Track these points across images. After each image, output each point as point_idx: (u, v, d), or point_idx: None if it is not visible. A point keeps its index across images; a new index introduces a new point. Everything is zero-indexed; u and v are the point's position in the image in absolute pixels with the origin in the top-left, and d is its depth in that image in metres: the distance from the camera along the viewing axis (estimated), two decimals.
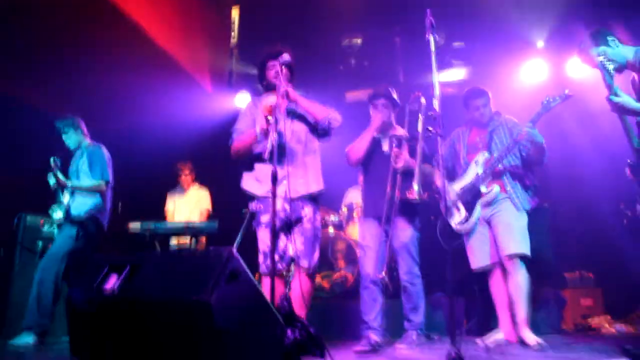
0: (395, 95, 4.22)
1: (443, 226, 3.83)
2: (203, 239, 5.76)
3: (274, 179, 2.97)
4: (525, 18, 6.90)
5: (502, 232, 3.92)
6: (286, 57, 3.46)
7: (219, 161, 5.69)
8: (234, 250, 2.20)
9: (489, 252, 3.98)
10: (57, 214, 4.59)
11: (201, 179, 6.54)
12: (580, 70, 6.06)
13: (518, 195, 3.97)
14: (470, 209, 4.03)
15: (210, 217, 6.24)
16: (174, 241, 5.70)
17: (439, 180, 4.10)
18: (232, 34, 8.35)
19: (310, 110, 3.60)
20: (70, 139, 4.87)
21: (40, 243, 5.16)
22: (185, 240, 5.66)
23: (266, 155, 3.13)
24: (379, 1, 7.22)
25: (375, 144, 4.10)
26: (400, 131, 4.08)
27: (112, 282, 2.23)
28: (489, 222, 4.01)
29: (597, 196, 5.24)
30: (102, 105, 6.37)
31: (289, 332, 2.45)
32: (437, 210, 4.07)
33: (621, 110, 3.26)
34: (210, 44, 7.56)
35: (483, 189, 3.99)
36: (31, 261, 5.06)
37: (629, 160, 3.38)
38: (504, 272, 3.92)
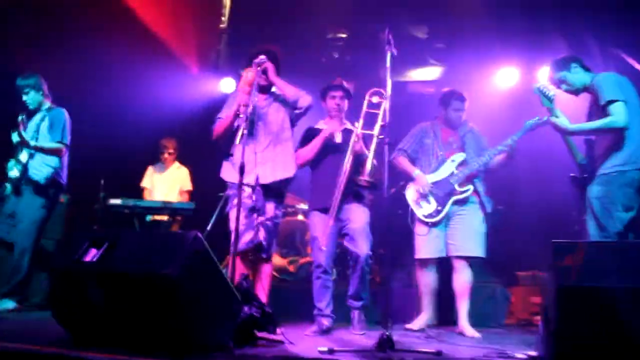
0: (349, 88, 4.38)
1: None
2: (179, 218, 6.02)
3: (242, 168, 3.30)
4: (503, 27, 7.21)
5: (464, 233, 4.27)
6: (262, 58, 3.76)
7: (201, 143, 5.96)
8: (199, 234, 2.51)
9: (440, 247, 4.31)
10: (14, 172, 4.65)
11: (182, 159, 6.68)
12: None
13: (485, 200, 4.34)
14: (442, 203, 4.33)
15: (190, 197, 6.43)
16: (151, 217, 5.98)
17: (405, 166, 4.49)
18: (222, 18, 8.54)
19: (284, 89, 3.89)
20: (31, 99, 4.83)
21: None
22: (163, 217, 5.95)
23: (237, 140, 3.42)
24: None
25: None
26: (349, 126, 4.28)
27: (91, 255, 2.54)
28: (448, 219, 4.34)
29: (559, 200, 5.52)
30: (88, 82, 6.57)
31: (245, 308, 2.77)
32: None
33: (558, 130, 3.75)
34: (199, 26, 7.66)
35: (457, 187, 4.31)
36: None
37: (571, 174, 3.81)
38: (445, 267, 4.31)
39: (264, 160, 3.80)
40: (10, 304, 4.38)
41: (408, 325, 4.25)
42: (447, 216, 4.35)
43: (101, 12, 5.81)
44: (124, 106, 6.37)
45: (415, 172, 4.44)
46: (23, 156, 4.65)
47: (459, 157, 4.40)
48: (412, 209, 4.43)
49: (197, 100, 7.14)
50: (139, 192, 6.36)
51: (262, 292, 3.70)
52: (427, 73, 7.86)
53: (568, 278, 2.05)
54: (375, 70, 7.95)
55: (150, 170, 6.55)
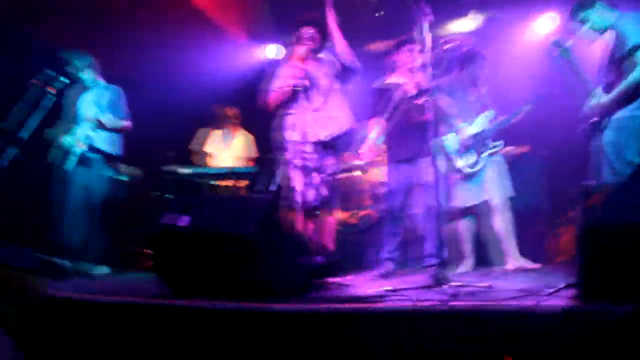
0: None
1: None
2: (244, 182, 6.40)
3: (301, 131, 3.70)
4: None
5: (499, 179, 4.65)
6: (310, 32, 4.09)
7: (254, 109, 6.34)
8: (271, 196, 2.92)
9: (478, 194, 4.67)
10: (79, 145, 4.88)
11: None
12: None
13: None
14: (479, 155, 4.67)
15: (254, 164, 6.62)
16: (217, 182, 6.38)
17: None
18: None
19: (341, 46, 4.16)
20: (88, 77, 5.09)
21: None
22: (228, 182, 6.37)
23: (293, 109, 3.81)
24: None
25: None
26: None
27: (184, 220, 2.98)
28: (485, 169, 4.68)
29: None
30: (145, 62, 7.01)
31: (314, 257, 3.20)
32: None
33: (596, 112, 3.77)
34: None
35: (491, 142, 4.68)
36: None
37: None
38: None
39: (318, 119, 4.12)
40: (105, 269, 4.84)
41: (457, 270, 4.61)
42: (484, 166, 4.69)
43: None
44: (180, 81, 6.78)
45: (460, 123, 4.71)
46: (83, 130, 4.93)
47: (491, 114, 4.72)
48: (451, 158, 4.73)
49: (246, 67, 7.51)
50: (197, 158, 6.74)
51: (330, 243, 4.08)
52: (467, 24, 7.96)
53: (592, 216, 2.37)
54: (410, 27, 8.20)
55: (213, 135, 6.76)
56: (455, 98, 4.78)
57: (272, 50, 7.83)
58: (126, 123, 5.14)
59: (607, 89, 3.76)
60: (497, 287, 3.01)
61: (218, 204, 3.16)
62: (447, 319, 2.25)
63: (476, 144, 4.68)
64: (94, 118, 4.94)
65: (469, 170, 4.67)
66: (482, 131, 4.70)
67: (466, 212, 4.72)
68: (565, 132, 5.28)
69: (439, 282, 3.01)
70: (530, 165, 5.33)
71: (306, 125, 4.05)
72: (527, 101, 4.73)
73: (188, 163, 6.30)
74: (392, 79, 4.52)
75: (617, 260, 2.32)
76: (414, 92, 4.29)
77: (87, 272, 4.71)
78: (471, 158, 4.68)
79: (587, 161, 3.90)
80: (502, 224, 4.60)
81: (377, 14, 8.13)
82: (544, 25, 6.96)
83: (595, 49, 3.92)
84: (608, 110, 3.70)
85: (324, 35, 4.28)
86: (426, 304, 2.39)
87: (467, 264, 4.65)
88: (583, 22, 3.79)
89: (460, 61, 4.85)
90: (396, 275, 4.27)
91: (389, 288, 3.01)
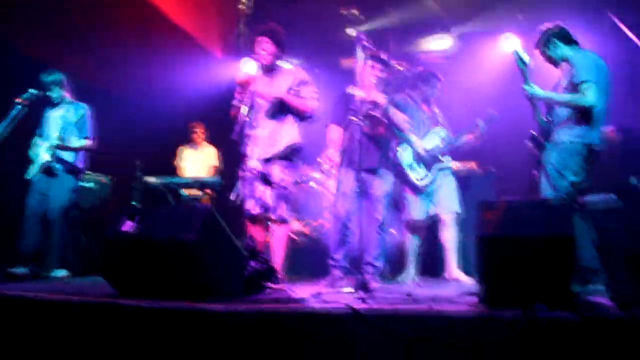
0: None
1: None
2: (209, 191, 6.73)
3: (243, 154, 4.02)
4: None
5: (448, 194, 4.99)
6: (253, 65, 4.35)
7: (227, 123, 6.60)
8: (212, 207, 3.16)
9: (427, 208, 4.98)
10: (45, 156, 5.15)
11: (210, 139, 7.40)
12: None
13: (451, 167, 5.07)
14: (430, 170, 4.98)
15: (218, 172, 7.08)
16: (185, 192, 6.70)
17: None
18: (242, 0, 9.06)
19: (293, 106, 4.31)
20: (55, 94, 5.34)
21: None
22: (196, 192, 6.67)
23: (237, 129, 4.07)
24: None
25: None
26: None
27: (128, 226, 3.21)
28: (432, 184, 5.00)
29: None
30: (121, 74, 7.28)
31: (251, 263, 3.43)
32: None
33: (531, 98, 4.11)
34: (220, 11, 8.18)
35: (441, 157, 5.00)
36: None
37: (532, 132, 4.22)
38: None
39: (265, 134, 4.31)
40: (63, 272, 5.09)
41: (399, 278, 4.88)
42: (433, 181, 4.97)
43: (128, 8, 6.40)
44: (156, 94, 7.09)
45: (414, 136, 4.95)
46: (48, 145, 5.19)
47: (443, 131, 5.00)
48: (404, 171, 4.96)
49: (222, 82, 7.76)
50: (173, 171, 7.11)
51: (279, 252, 4.25)
52: (436, 43, 8.29)
53: (487, 229, 2.63)
54: (387, 43, 8.53)
55: (181, 150, 7.29)
56: (408, 115, 5.02)
57: (249, 66, 8.02)
58: (88, 143, 5.38)
59: (549, 111, 4.18)
60: (416, 294, 3.25)
61: (165, 213, 3.39)
62: (349, 319, 2.49)
63: (427, 159, 4.94)
64: (58, 135, 5.18)
65: (420, 183, 4.93)
66: (434, 147, 4.98)
67: (416, 223, 4.96)
68: (514, 149, 5.59)
69: (362, 288, 3.24)
70: (480, 181, 5.58)
71: (256, 139, 4.28)
72: (480, 120, 5.02)
73: (158, 173, 6.55)
74: (352, 90, 4.56)
75: (508, 269, 2.58)
76: (369, 105, 4.43)
77: (46, 275, 4.97)
78: (422, 172, 4.93)
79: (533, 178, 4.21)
80: (447, 237, 4.92)
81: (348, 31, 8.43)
82: (508, 45, 7.26)
83: (552, 73, 4.30)
84: (539, 98, 4.10)
85: (279, 47, 4.44)
86: (333, 305, 2.63)
87: (408, 273, 4.90)
88: (542, 51, 4.24)
89: (415, 80, 5.15)
90: (344, 282, 4.46)
91: (315, 292, 3.24)
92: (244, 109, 4.11)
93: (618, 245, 2.96)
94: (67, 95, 5.47)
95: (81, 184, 5.54)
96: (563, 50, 4.15)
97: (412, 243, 5.02)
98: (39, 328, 2.97)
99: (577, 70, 3.96)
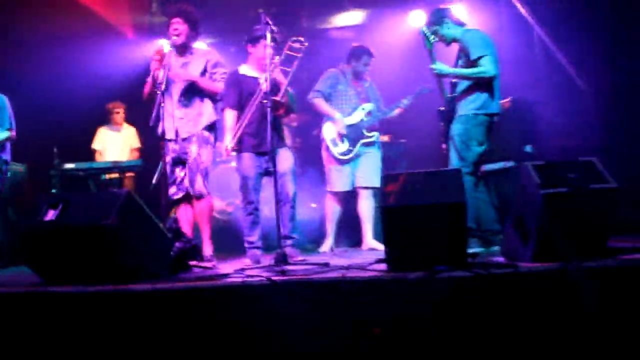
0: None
1: None
2: (130, 174, 6.74)
3: (162, 133, 4.11)
4: None
5: (370, 169, 5.21)
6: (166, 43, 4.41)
7: (143, 104, 6.60)
8: (130, 191, 3.26)
9: (350, 181, 5.23)
10: None
11: (128, 120, 7.33)
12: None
13: (379, 142, 5.34)
14: (353, 144, 5.20)
15: (139, 154, 7.10)
16: (105, 176, 6.67)
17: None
18: None
19: (202, 88, 4.45)
20: None
21: None
22: (115, 175, 6.65)
23: (155, 110, 4.17)
24: None
25: None
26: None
27: (50, 215, 3.27)
28: (357, 158, 5.24)
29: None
30: (31, 57, 7.11)
31: (176, 244, 3.56)
32: None
33: (437, 74, 4.44)
34: None
35: (365, 132, 5.22)
36: None
37: (440, 108, 4.57)
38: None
39: (182, 115, 4.43)
40: None
41: (319, 249, 5.14)
42: (357, 155, 5.18)
43: None
44: (69, 77, 6.92)
45: (337, 115, 5.20)
46: None
47: (369, 106, 5.28)
48: (328, 146, 5.22)
49: (134, 63, 7.71)
50: (91, 155, 7.03)
51: (203, 226, 4.40)
52: (347, 18, 8.49)
53: (388, 200, 2.89)
54: (299, 20, 8.65)
55: (101, 132, 7.15)
56: (336, 90, 5.31)
57: (162, 45, 7.99)
58: (9, 134, 5.41)
59: (453, 87, 4.53)
60: (333, 263, 3.48)
61: (83, 200, 3.46)
62: (269, 290, 2.70)
63: (352, 134, 5.19)
64: None
65: (342, 157, 5.18)
66: (359, 122, 5.23)
67: (337, 195, 5.22)
68: (424, 122, 5.92)
69: (279, 260, 3.43)
70: (391, 153, 5.88)
71: (170, 122, 4.38)
72: (405, 95, 5.34)
73: (77, 158, 6.50)
74: (244, 70, 4.66)
75: (409, 236, 2.85)
76: (268, 88, 4.25)
77: None
78: (344, 147, 5.17)
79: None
80: (363, 209, 5.19)
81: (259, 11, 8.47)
82: (416, 21, 7.54)
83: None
84: (445, 75, 4.45)
85: (192, 27, 4.52)
86: (256, 279, 2.83)
87: (327, 244, 5.18)
88: (434, 33, 4.51)
89: (348, 56, 5.35)
90: (264, 258, 4.51)
91: (238, 268, 3.43)
92: (158, 91, 4.15)
93: (512, 208, 3.29)
94: None
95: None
96: (454, 30, 4.51)
97: (332, 214, 5.26)
98: None
99: (473, 47, 4.31)
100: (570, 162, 3.07)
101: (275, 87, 4.32)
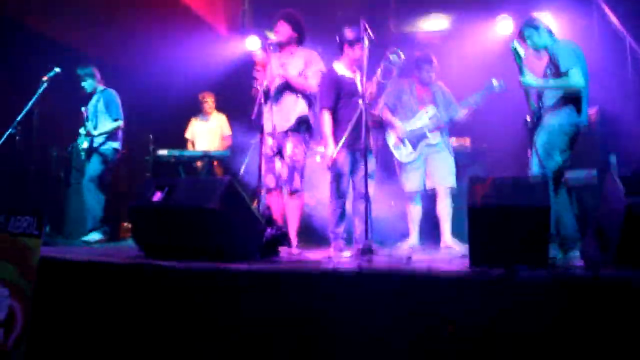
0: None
1: None
2: (217, 163, 7.12)
3: (261, 125, 4.38)
4: None
5: (438, 168, 5.36)
6: (272, 39, 4.67)
7: (234, 97, 6.98)
8: (231, 178, 3.54)
9: (420, 182, 5.41)
10: (84, 144, 5.98)
11: (220, 109, 7.71)
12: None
13: (448, 144, 5.44)
14: (414, 146, 5.39)
15: (230, 140, 7.46)
16: (196, 163, 7.07)
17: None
18: None
19: (294, 84, 4.73)
20: (89, 85, 6.16)
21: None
22: (204, 162, 7.03)
23: (256, 106, 4.45)
24: None
25: None
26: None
27: (158, 196, 3.60)
28: (427, 158, 5.39)
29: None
30: (130, 50, 7.60)
31: (268, 229, 3.82)
32: None
33: (525, 85, 4.47)
34: None
35: (429, 134, 5.37)
36: (81, 180, 6.39)
37: (527, 117, 4.65)
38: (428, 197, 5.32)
39: (279, 110, 4.73)
40: (97, 236, 5.72)
41: (398, 245, 5.32)
42: (423, 157, 5.39)
43: None
44: (165, 70, 7.39)
45: (397, 122, 5.45)
46: (89, 131, 5.99)
47: (431, 109, 5.44)
48: (392, 152, 5.47)
49: (227, 58, 8.10)
50: (184, 143, 7.46)
51: (294, 220, 4.66)
52: (435, 24, 8.59)
53: (475, 201, 3.04)
54: (387, 23, 8.82)
55: (192, 121, 7.59)
56: (401, 101, 5.54)
57: (252, 42, 8.34)
58: (117, 124, 6.07)
59: (539, 97, 4.58)
60: (415, 258, 3.66)
61: (188, 184, 3.78)
62: (358, 277, 2.91)
63: (414, 137, 5.40)
64: (94, 133, 5.97)
65: (405, 160, 5.41)
66: (422, 125, 5.40)
67: (411, 196, 5.39)
68: (506, 128, 5.98)
69: (365, 251, 3.65)
70: (472, 156, 5.98)
71: (271, 115, 4.66)
72: (472, 94, 5.41)
73: (169, 146, 6.93)
74: (340, 69, 4.89)
75: (494, 235, 3.00)
76: (365, 90, 4.57)
77: (82, 239, 5.69)
78: (406, 150, 5.40)
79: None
80: (441, 209, 5.34)
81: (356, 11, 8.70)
82: (503, 27, 7.56)
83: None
84: (534, 86, 4.47)
85: (295, 29, 4.86)
86: (346, 266, 3.05)
87: (410, 240, 5.36)
88: (526, 38, 4.61)
89: (410, 65, 5.51)
90: (347, 249, 4.76)
91: (326, 255, 3.66)
92: (261, 88, 4.44)
93: (592, 217, 3.38)
94: (100, 84, 6.20)
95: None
96: (545, 38, 4.55)
97: (411, 213, 5.45)
98: (83, 287, 3.37)
99: (563, 58, 4.34)
100: None
101: (372, 100, 4.72)
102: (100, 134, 5.96)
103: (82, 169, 6.13)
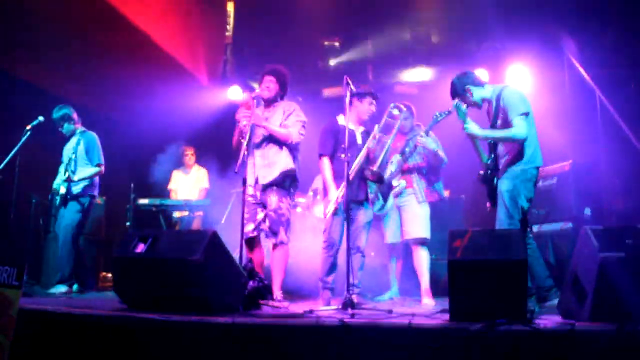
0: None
1: None
2: (199, 213, 7.15)
3: (244, 180, 4.38)
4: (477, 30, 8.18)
5: (408, 220, 5.29)
6: (257, 92, 4.78)
7: (214, 146, 7.06)
8: (215, 230, 3.58)
9: (396, 233, 5.41)
10: (62, 190, 5.77)
11: (198, 161, 7.81)
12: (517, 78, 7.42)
13: (420, 190, 5.29)
14: (385, 198, 5.39)
15: (207, 193, 7.54)
16: (176, 214, 7.11)
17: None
18: (227, 27, 9.52)
19: (275, 135, 4.76)
20: (66, 129, 6.00)
21: None
22: (184, 213, 7.08)
23: (239, 159, 4.51)
24: (355, 7, 8.48)
25: None
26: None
27: (141, 247, 3.62)
28: (399, 209, 5.40)
29: None
30: (116, 98, 7.68)
31: (250, 282, 3.85)
32: None
33: (471, 136, 4.50)
34: (207, 38, 8.62)
35: (394, 182, 5.35)
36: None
37: (480, 172, 4.66)
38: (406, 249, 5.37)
39: (261, 162, 4.76)
40: (63, 288, 5.55)
41: (378, 297, 5.35)
42: (396, 208, 5.39)
43: (120, 37, 6.78)
44: (147, 118, 7.47)
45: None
46: (70, 176, 5.78)
47: (395, 158, 5.38)
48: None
49: (208, 107, 8.23)
50: (165, 193, 7.51)
51: (279, 272, 4.65)
52: (413, 75, 8.83)
53: (455, 254, 3.12)
54: (366, 73, 9.06)
55: (174, 173, 7.68)
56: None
57: (234, 92, 8.51)
58: (96, 169, 5.91)
59: (492, 146, 4.59)
60: (396, 311, 3.70)
61: (171, 236, 3.81)
62: (340, 331, 2.94)
63: (383, 188, 5.38)
64: (73, 178, 5.78)
65: (379, 213, 5.44)
66: (389, 176, 5.33)
67: (391, 247, 5.43)
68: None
69: (346, 305, 3.68)
70: (449, 207, 6.10)
71: (254, 167, 4.71)
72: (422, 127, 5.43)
73: (148, 195, 6.97)
74: (342, 120, 4.99)
75: (473, 289, 3.06)
76: (369, 155, 4.87)
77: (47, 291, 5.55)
78: (379, 203, 5.43)
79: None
80: (416, 261, 5.26)
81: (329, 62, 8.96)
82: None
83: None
84: (479, 137, 4.49)
85: (282, 87, 4.95)
86: (327, 320, 3.08)
87: (390, 292, 5.36)
88: (463, 101, 4.57)
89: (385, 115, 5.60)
90: (333, 301, 4.70)
91: (307, 309, 3.68)
92: (244, 141, 4.51)
93: (569, 268, 3.46)
94: (78, 126, 6.05)
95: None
96: (479, 92, 4.55)
97: (390, 265, 5.48)
98: (62, 339, 3.35)
99: (509, 107, 4.32)
100: (628, 228, 3.23)
101: (371, 156, 4.83)
102: (80, 180, 5.80)
103: (56, 215, 5.97)
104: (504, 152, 4.47)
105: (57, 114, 5.96)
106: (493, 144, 4.56)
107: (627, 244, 3.07)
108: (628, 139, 6.09)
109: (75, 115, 6.03)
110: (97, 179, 6.00)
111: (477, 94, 4.56)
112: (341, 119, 5.00)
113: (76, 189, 5.80)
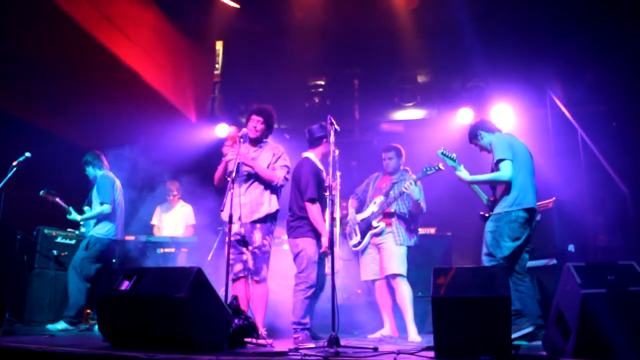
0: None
1: None
2: (185, 250, 7.11)
3: (230, 217, 4.39)
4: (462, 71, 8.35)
5: (386, 258, 5.31)
6: (244, 131, 4.83)
7: (201, 183, 7.08)
8: (200, 268, 3.57)
9: (375, 269, 5.42)
10: (82, 229, 6.18)
11: (185, 198, 7.79)
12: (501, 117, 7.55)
13: (400, 234, 5.31)
14: (363, 235, 5.48)
15: (193, 230, 7.52)
16: (160, 250, 7.07)
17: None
18: (216, 65, 9.64)
19: (261, 175, 4.80)
20: (89, 172, 6.27)
21: (54, 251, 6.53)
22: (170, 249, 7.04)
23: (225, 198, 4.53)
24: (341, 48, 8.62)
25: None
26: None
27: (125, 285, 3.60)
28: (378, 248, 5.42)
29: None
30: (99, 135, 7.72)
31: (235, 320, 3.82)
32: None
33: (461, 181, 4.83)
34: (195, 76, 8.70)
35: (374, 223, 5.43)
36: (46, 265, 6.47)
37: (481, 212, 4.91)
38: (389, 285, 5.33)
39: (247, 201, 4.79)
40: (60, 325, 5.60)
41: (369, 335, 5.31)
42: (374, 246, 5.44)
43: (109, 75, 6.87)
44: (135, 156, 7.47)
45: (350, 210, 5.65)
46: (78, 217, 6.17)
47: (378, 199, 5.50)
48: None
49: (196, 145, 8.27)
50: (150, 229, 7.47)
51: (260, 309, 4.66)
52: (399, 114, 8.97)
53: (439, 292, 3.13)
54: (352, 112, 9.18)
55: (158, 209, 7.64)
56: (367, 191, 5.73)
57: (222, 129, 8.57)
58: (100, 208, 6.05)
59: (493, 190, 4.88)
60: (381, 349, 3.69)
61: (156, 273, 3.79)
62: None
63: (363, 226, 5.52)
64: (78, 218, 6.18)
65: (355, 249, 5.51)
66: (370, 215, 5.49)
67: (373, 284, 5.45)
68: (469, 215, 6.18)
69: (331, 343, 3.65)
70: (437, 244, 6.12)
71: (239, 205, 4.72)
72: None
73: (134, 231, 6.94)
74: (316, 161, 4.98)
75: (458, 325, 3.07)
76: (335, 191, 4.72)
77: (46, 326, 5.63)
78: (356, 239, 5.53)
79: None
80: (397, 298, 5.24)
81: (316, 100, 9.06)
82: (464, 117, 7.97)
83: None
84: (466, 182, 4.83)
85: (268, 127, 5.02)
86: (313, 359, 3.07)
87: (383, 330, 5.34)
88: (475, 145, 5.07)
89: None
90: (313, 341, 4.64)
91: (292, 348, 3.66)
92: (230, 179, 4.53)
93: (554, 303, 3.48)
94: (101, 170, 6.30)
95: (63, 241, 6.54)
96: (488, 138, 4.92)
97: (379, 302, 5.43)
98: None
99: (495, 151, 4.72)
100: (610, 264, 3.28)
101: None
102: (83, 219, 6.05)
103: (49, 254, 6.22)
104: (497, 195, 4.76)
105: (84, 157, 6.30)
106: (493, 187, 4.87)
107: (609, 280, 3.11)
108: (610, 176, 6.19)
109: (97, 160, 6.31)
110: (117, 220, 6.18)
111: (486, 139, 4.95)
112: (315, 160, 5.01)
113: (87, 227, 6.11)
